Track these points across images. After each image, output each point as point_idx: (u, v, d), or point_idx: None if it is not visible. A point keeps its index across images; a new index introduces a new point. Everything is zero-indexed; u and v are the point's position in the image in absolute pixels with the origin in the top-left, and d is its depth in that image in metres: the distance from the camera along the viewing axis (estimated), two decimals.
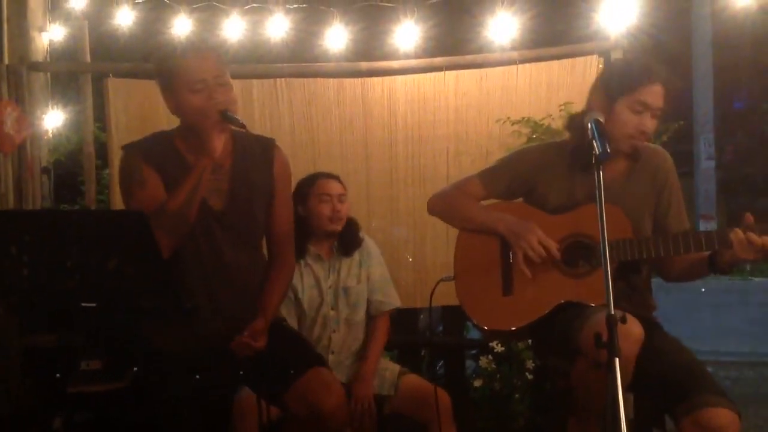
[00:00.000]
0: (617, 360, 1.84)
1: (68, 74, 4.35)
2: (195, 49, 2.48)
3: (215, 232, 2.47)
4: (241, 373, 2.45)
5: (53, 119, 4.18)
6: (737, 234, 2.29)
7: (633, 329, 2.11)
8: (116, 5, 4.18)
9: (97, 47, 4.29)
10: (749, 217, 2.32)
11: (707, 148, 14.95)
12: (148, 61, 3.07)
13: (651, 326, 2.46)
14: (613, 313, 1.87)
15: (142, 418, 2.46)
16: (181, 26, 4.36)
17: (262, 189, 2.56)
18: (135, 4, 4.22)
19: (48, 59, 4.12)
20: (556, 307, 2.44)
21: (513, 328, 2.52)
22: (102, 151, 4.05)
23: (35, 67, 3.94)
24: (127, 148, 2.54)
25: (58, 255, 1.84)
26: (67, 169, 4.34)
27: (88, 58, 4.07)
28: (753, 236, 2.28)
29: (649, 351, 2.30)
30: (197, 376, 2.34)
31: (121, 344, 2.45)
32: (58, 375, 2.30)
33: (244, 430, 2.77)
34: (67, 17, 4.31)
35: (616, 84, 2.46)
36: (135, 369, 2.45)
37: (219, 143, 2.39)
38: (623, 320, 1.90)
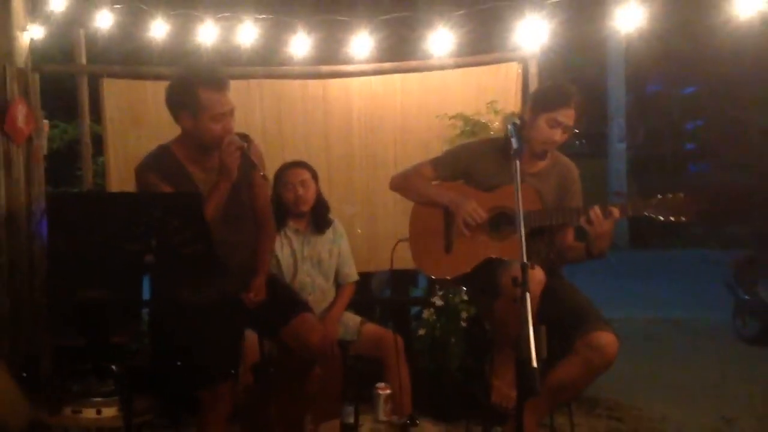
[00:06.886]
0: (528, 294, 2.61)
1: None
2: (217, 80, 2.82)
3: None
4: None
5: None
6: (594, 210, 3.00)
7: (537, 274, 2.86)
8: (96, 8, 4.52)
9: (76, 48, 4.59)
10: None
11: (619, 131, 16.09)
12: (128, 63, 3.47)
13: (555, 276, 3.25)
14: (525, 261, 2.64)
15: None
16: (158, 30, 4.89)
17: (244, 176, 3.00)
18: (114, 8, 4.58)
19: (29, 59, 4.39)
20: (483, 261, 3.21)
21: (449, 277, 3.32)
22: (96, 141, 4.59)
23: (39, 69, 4.40)
24: (140, 170, 2.90)
25: (129, 226, 2.49)
26: (63, 157, 4.84)
27: (84, 61, 4.54)
28: (599, 210, 2.98)
29: (553, 293, 3.08)
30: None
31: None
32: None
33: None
34: (45, 18, 4.68)
35: (540, 103, 3.23)
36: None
37: (235, 167, 2.83)
38: (532, 267, 2.67)
